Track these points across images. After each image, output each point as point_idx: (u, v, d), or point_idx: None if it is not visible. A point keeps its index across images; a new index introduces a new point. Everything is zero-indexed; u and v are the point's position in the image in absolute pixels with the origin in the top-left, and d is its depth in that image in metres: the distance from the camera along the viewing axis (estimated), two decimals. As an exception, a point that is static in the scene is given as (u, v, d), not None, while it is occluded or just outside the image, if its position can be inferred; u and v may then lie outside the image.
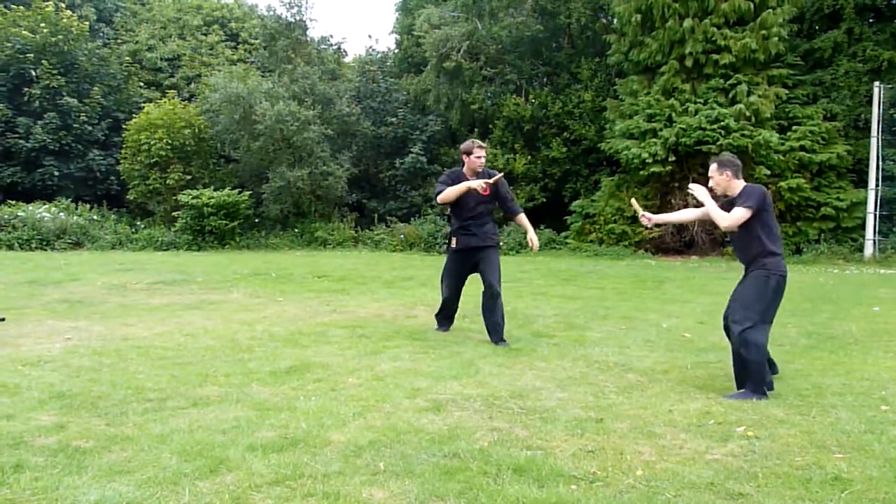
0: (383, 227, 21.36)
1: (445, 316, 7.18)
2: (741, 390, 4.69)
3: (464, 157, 6.59)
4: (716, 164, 5.04)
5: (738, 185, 4.96)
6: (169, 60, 27.65)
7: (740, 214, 4.77)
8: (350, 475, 3.22)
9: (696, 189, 5.12)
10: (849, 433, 3.88)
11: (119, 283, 10.92)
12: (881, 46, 17.45)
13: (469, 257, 6.67)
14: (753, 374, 4.63)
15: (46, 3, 23.12)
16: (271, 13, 23.18)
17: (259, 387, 4.77)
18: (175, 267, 13.64)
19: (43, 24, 22.54)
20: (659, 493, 3.07)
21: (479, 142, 6.69)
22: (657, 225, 5.11)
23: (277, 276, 12.28)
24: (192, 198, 19.14)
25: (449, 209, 6.85)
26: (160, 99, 23.28)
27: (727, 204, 4.97)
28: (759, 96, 17.03)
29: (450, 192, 6.43)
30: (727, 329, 4.97)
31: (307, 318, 7.81)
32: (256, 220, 21.47)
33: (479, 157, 6.53)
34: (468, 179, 6.50)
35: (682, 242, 18.42)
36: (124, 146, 21.78)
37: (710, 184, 5.07)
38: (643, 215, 5.47)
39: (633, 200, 5.94)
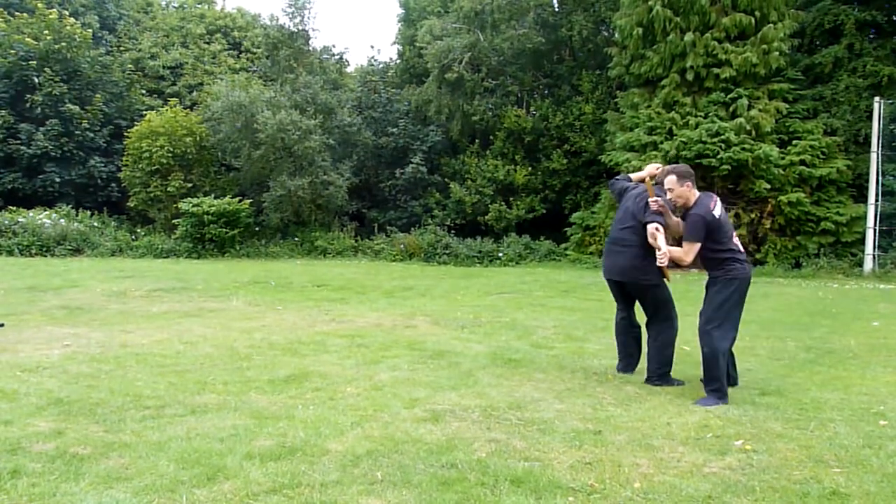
0: (383, 237, 21.37)
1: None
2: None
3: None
4: (675, 175, 5.04)
5: (695, 195, 5.04)
6: (171, 68, 27.74)
7: (688, 249, 4.96)
8: (347, 484, 3.22)
9: (656, 235, 5.04)
10: (847, 448, 3.88)
11: (119, 290, 10.92)
12: (881, 62, 17.51)
13: None
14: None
15: (50, 11, 23.21)
16: (274, 23, 23.28)
17: (257, 395, 4.77)
18: (175, 275, 13.65)
19: (46, 32, 22.63)
20: (656, 506, 3.06)
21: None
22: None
23: (277, 285, 12.28)
24: (193, 206, 19.15)
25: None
26: (162, 107, 23.34)
27: (685, 215, 5.06)
28: (760, 110, 17.08)
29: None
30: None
31: (306, 327, 7.81)
32: (257, 229, 21.47)
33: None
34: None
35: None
36: (126, 153, 21.82)
37: (670, 196, 5.08)
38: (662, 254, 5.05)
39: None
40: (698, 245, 4.95)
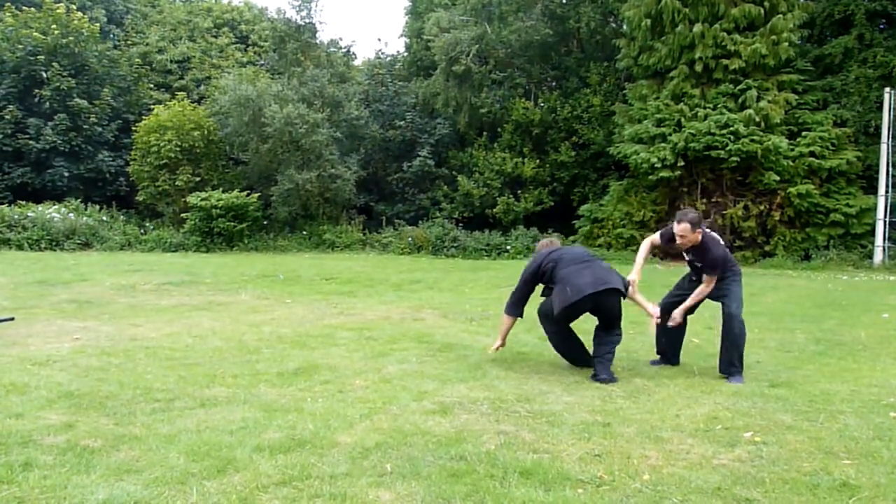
0: (391, 230, 21.38)
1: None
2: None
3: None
4: (688, 223, 5.37)
5: (700, 233, 5.46)
6: (179, 62, 27.76)
7: (711, 281, 5.50)
8: (357, 477, 3.22)
9: (677, 316, 5.63)
10: (857, 439, 3.86)
11: (128, 283, 10.97)
12: (892, 52, 17.37)
13: None
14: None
15: (57, 5, 23.26)
16: (281, 16, 23.25)
17: (266, 388, 4.78)
18: (183, 268, 13.69)
19: (54, 26, 22.68)
20: (666, 498, 3.06)
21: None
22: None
23: (286, 278, 12.31)
24: (201, 199, 19.20)
25: None
26: (170, 101, 23.36)
27: (690, 251, 5.53)
28: (769, 102, 16.98)
29: None
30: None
31: (315, 320, 7.83)
32: (265, 223, 21.51)
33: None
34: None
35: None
36: (134, 148, 21.89)
37: (679, 241, 5.47)
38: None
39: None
40: (716, 278, 5.51)
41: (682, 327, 5.76)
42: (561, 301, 5.18)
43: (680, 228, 5.38)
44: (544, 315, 5.61)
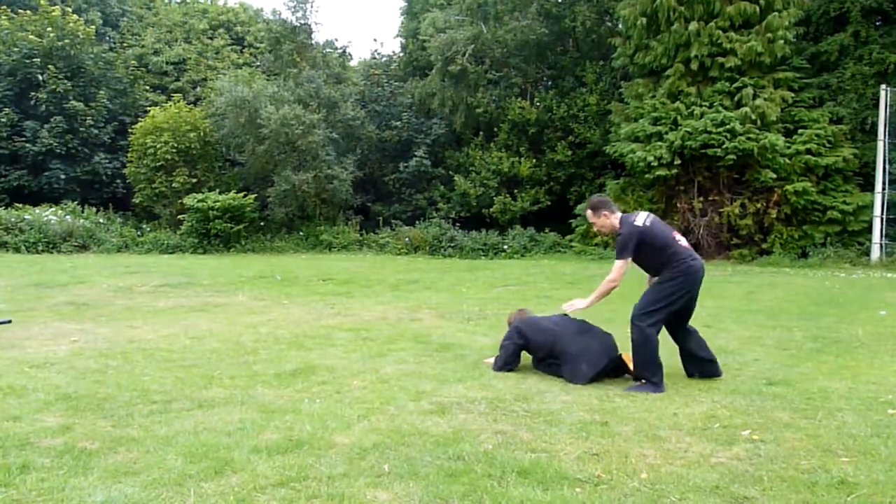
0: (388, 231, 21.37)
1: None
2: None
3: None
4: (589, 209, 5.24)
5: (616, 218, 5.17)
6: (174, 64, 27.74)
7: (616, 267, 5.03)
8: (354, 477, 3.22)
9: (574, 305, 5.28)
10: (855, 437, 3.86)
11: (125, 285, 10.96)
12: (888, 49, 17.39)
13: None
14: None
15: (53, 8, 23.23)
16: (276, 17, 23.26)
17: (264, 389, 4.78)
18: (180, 270, 13.68)
19: (49, 29, 22.65)
20: (664, 497, 3.06)
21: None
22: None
23: (283, 279, 12.30)
24: (198, 201, 19.18)
25: None
26: (166, 102, 23.35)
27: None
28: (765, 99, 16.99)
29: None
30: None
31: (312, 321, 7.82)
32: (261, 224, 21.50)
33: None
34: None
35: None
36: (130, 150, 21.87)
37: (595, 228, 5.31)
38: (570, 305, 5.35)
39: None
40: (626, 262, 5.02)
41: (690, 335, 5.33)
42: (586, 377, 5.00)
43: (587, 215, 5.35)
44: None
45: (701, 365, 5.27)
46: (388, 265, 15.95)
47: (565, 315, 5.60)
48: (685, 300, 5.09)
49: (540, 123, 22.16)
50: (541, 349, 5.34)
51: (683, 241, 5.22)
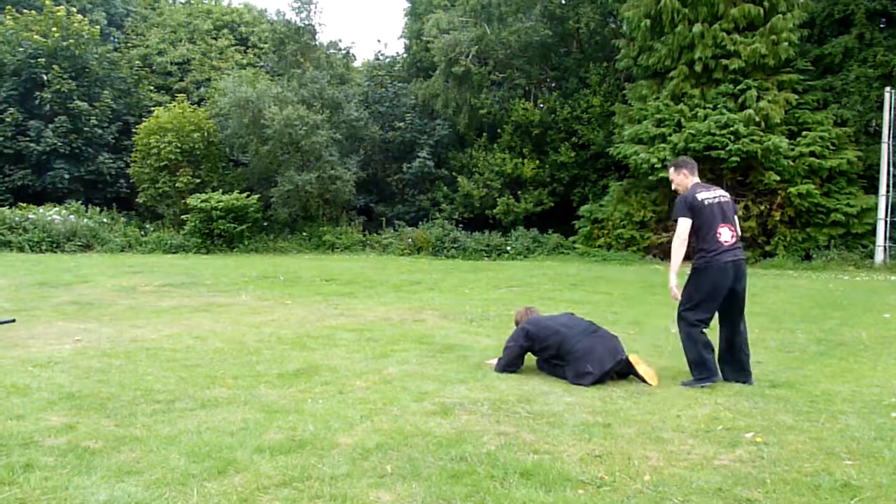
0: (391, 231, 21.39)
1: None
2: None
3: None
4: (672, 167, 5.53)
5: (691, 182, 5.39)
6: (179, 64, 27.79)
7: (678, 225, 5.20)
8: (357, 478, 3.22)
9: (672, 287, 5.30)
10: (858, 440, 3.86)
11: (128, 285, 10.97)
12: (892, 52, 17.37)
13: None
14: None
15: (58, 8, 23.28)
16: (280, 18, 23.29)
17: (267, 389, 4.78)
18: (184, 270, 13.70)
19: (54, 29, 22.71)
20: (667, 499, 3.06)
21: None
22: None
23: (286, 280, 12.31)
24: (201, 201, 19.22)
25: None
26: (170, 103, 23.40)
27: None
28: (769, 101, 16.97)
29: None
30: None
31: (315, 322, 7.83)
32: (265, 224, 21.53)
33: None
34: None
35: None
36: (134, 149, 21.92)
37: (673, 186, 5.52)
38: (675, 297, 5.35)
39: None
40: (686, 221, 5.14)
41: (736, 336, 5.22)
42: (593, 377, 5.00)
43: (669, 174, 5.58)
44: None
45: (734, 369, 5.24)
46: (391, 266, 15.96)
47: (572, 314, 5.67)
48: (719, 296, 5.11)
49: (543, 125, 22.16)
50: (547, 349, 5.32)
51: (726, 235, 5.17)
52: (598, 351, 5.09)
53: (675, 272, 5.22)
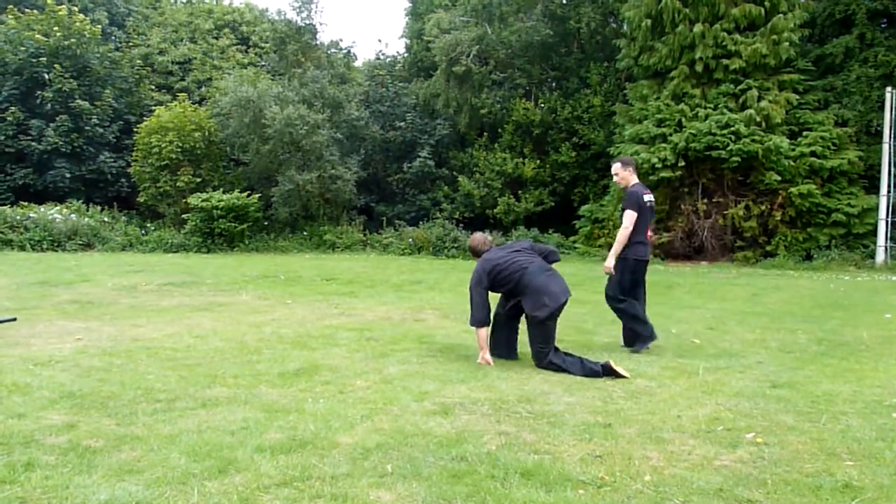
0: (392, 231, 21.39)
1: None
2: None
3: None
4: (619, 163, 6.47)
5: (633, 180, 6.36)
6: (180, 64, 27.80)
7: (627, 217, 6.21)
8: (357, 477, 3.22)
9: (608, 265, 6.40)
10: (860, 440, 3.85)
11: (129, 284, 10.98)
12: (893, 52, 17.36)
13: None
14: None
15: (59, 7, 23.29)
16: (281, 17, 23.29)
17: (267, 388, 4.78)
18: (185, 269, 13.70)
19: (56, 28, 22.71)
20: (667, 499, 3.06)
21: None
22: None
23: (286, 279, 12.31)
24: (202, 200, 19.22)
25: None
26: (171, 102, 23.40)
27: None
28: (770, 101, 16.97)
29: None
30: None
31: (315, 321, 7.83)
32: (265, 223, 21.53)
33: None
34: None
35: (691, 248, 18.35)
36: (135, 149, 21.92)
37: (616, 179, 6.50)
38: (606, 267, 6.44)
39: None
40: (634, 215, 6.14)
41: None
42: (549, 309, 5.51)
43: (613, 168, 6.54)
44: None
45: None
46: (391, 265, 15.96)
47: (526, 247, 6.04)
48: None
49: (544, 124, 22.16)
50: (507, 283, 5.67)
51: (647, 234, 6.36)
52: (553, 287, 5.62)
53: (615, 256, 6.26)
